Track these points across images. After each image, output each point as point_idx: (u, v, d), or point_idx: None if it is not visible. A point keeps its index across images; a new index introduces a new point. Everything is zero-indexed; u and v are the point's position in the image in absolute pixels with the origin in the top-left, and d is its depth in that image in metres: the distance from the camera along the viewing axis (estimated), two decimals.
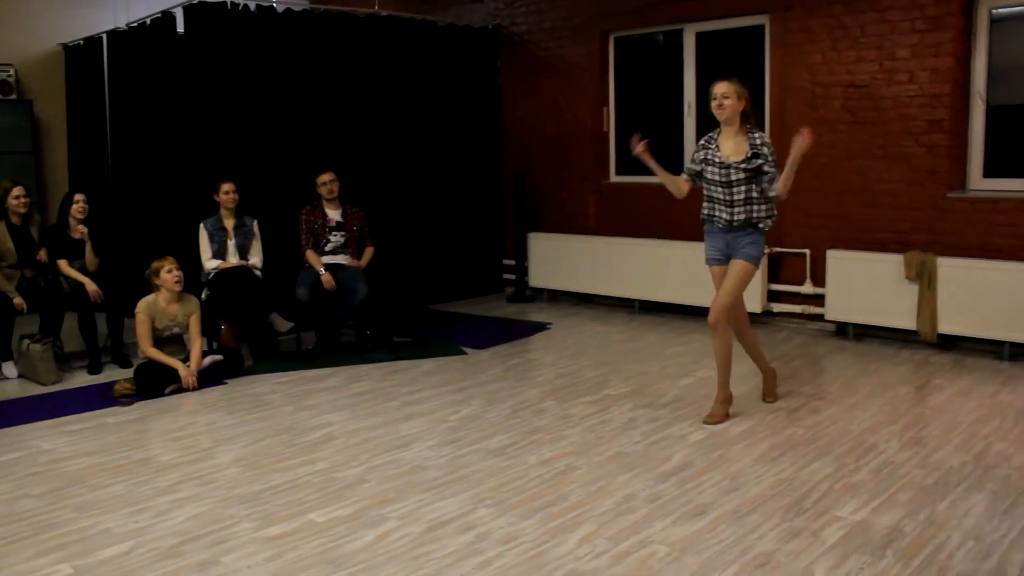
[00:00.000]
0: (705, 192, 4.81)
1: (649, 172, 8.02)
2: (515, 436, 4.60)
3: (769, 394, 5.10)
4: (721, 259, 4.83)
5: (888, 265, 6.31)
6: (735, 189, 4.64)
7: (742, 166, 4.60)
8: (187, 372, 5.60)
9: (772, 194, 4.61)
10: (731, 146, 4.67)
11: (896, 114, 6.36)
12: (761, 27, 7.15)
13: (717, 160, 4.68)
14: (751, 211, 4.66)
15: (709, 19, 7.45)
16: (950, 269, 6.03)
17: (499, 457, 4.30)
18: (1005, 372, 5.59)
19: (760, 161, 4.58)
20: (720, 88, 4.62)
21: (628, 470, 4.08)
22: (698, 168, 4.81)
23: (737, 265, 4.70)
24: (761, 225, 4.69)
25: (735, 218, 4.68)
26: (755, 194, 4.64)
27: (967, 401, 4.99)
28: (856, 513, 3.54)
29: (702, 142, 4.83)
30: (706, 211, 4.83)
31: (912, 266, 6.16)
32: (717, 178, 4.69)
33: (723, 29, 7.45)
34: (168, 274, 5.64)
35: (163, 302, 5.67)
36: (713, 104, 4.65)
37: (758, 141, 4.62)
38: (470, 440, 4.56)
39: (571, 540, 3.36)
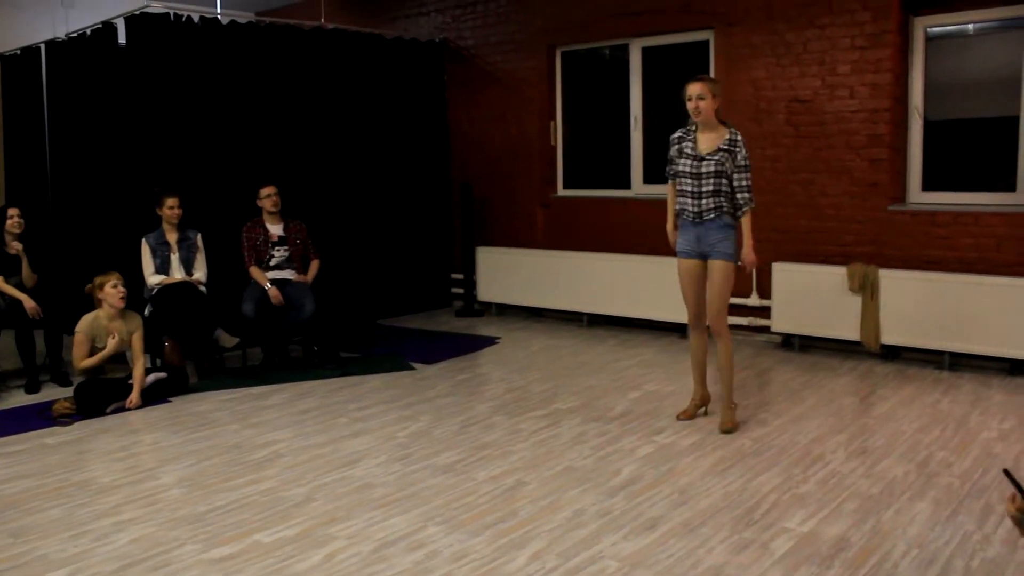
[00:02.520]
0: (677, 186, 4.84)
1: (595, 186, 8.16)
2: (464, 452, 4.57)
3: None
4: (690, 252, 4.84)
5: (832, 277, 6.41)
6: (703, 181, 4.70)
7: (714, 159, 4.67)
8: (116, 342, 5.50)
9: (739, 207, 4.70)
10: (706, 140, 4.73)
11: (838, 128, 6.48)
12: (706, 42, 7.24)
13: (690, 152, 4.76)
14: (720, 203, 4.70)
15: (654, 34, 7.52)
16: (892, 281, 6.14)
17: (448, 473, 4.26)
18: (945, 381, 5.70)
19: (727, 155, 4.65)
20: (694, 89, 4.67)
21: (578, 485, 4.07)
22: (670, 160, 4.89)
23: (716, 267, 4.74)
24: (728, 218, 4.73)
25: (703, 209, 4.72)
26: (723, 188, 4.69)
27: (910, 411, 5.08)
28: (804, 524, 3.57)
29: (678, 134, 4.86)
30: (678, 205, 4.87)
31: (855, 278, 6.26)
32: (688, 169, 4.75)
33: (668, 44, 7.53)
34: (113, 289, 5.52)
35: (105, 319, 5.54)
36: (689, 105, 4.68)
37: (736, 138, 4.68)
38: (419, 456, 4.52)
39: (522, 557, 3.34)
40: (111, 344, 5.50)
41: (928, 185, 6.42)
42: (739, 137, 4.71)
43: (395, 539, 3.53)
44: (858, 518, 3.62)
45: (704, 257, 4.82)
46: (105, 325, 5.54)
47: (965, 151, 6.36)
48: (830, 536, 3.46)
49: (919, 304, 6.03)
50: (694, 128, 4.80)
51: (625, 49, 7.82)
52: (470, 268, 8.62)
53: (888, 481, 4.02)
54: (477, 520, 3.69)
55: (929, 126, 6.39)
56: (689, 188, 4.76)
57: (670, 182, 4.94)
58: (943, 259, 6.09)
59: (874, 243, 6.39)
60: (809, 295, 6.52)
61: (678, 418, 5.02)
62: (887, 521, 3.58)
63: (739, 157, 4.68)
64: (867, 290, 6.22)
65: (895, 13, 6.17)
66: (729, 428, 4.75)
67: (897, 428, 4.77)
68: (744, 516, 3.67)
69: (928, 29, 6.30)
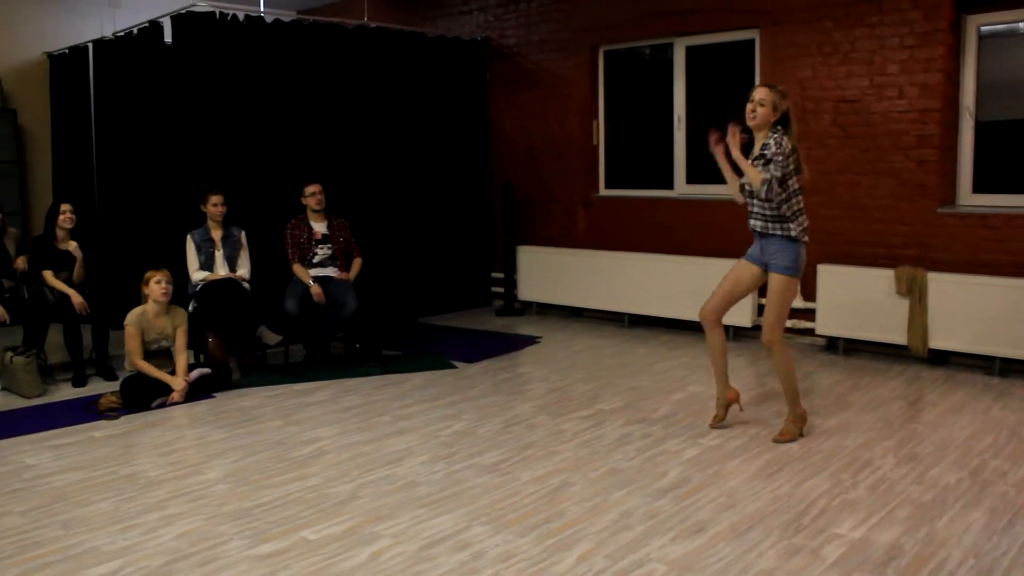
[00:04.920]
0: None
1: (638, 186, 8.10)
2: (508, 452, 4.56)
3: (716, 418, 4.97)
4: (754, 258, 4.69)
5: (878, 280, 6.31)
6: (754, 199, 4.58)
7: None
8: (179, 390, 5.53)
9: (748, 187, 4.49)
10: (756, 152, 4.61)
11: (886, 129, 6.38)
12: (751, 41, 7.17)
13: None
14: (767, 221, 4.55)
15: (699, 33, 7.46)
16: (940, 284, 6.03)
17: (493, 473, 4.25)
18: (996, 388, 5.59)
19: (762, 161, 4.50)
20: (757, 93, 4.52)
21: (624, 486, 4.04)
22: None
23: (773, 282, 4.58)
24: (783, 232, 4.53)
25: (755, 226, 4.62)
26: (768, 206, 4.51)
27: (960, 417, 4.99)
28: (855, 530, 3.52)
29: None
30: None
31: (903, 281, 6.16)
32: (745, 184, 4.62)
33: (713, 43, 7.46)
34: (156, 285, 5.57)
35: (151, 314, 5.60)
36: (748, 107, 4.53)
37: (769, 140, 4.48)
38: (463, 456, 4.51)
39: (569, 558, 3.31)
40: (177, 387, 5.56)
41: (979, 187, 6.30)
42: (771, 140, 4.46)
43: (441, 538, 3.52)
44: (911, 525, 3.55)
45: (766, 268, 4.67)
46: (152, 320, 5.60)
47: (1018, 152, 6.23)
48: (882, 543, 3.40)
49: (969, 308, 5.92)
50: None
51: (668, 48, 7.76)
52: (511, 267, 8.61)
53: (940, 488, 3.94)
54: (523, 520, 3.67)
55: (980, 127, 6.27)
56: (750, 207, 4.65)
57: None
58: (994, 262, 5.97)
59: (922, 246, 6.28)
60: (855, 298, 6.42)
61: (711, 426, 4.88)
62: (941, 529, 3.51)
63: (768, 154, 4.46)
64: (915, 293, 6.12)
65: (947, 11, 6.06)
66: (780, 439, 4.62)
67: (948, 434, 4.69)
68: (793, 521, 3.62)
69: (981, 28, 6.18)
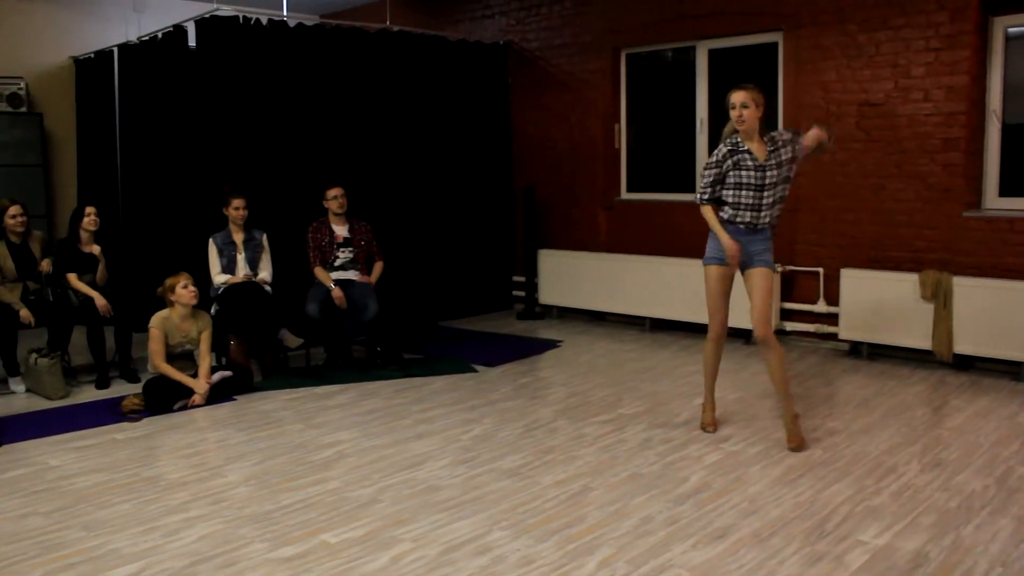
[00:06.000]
0: (731, 198, 4.63)
1: (660, 189, 8.07)
2: (529, 456, 4.54)
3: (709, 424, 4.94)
4: (724, 260, 4.68)
5: (903, 284, 6.26)
6: (766, 192, 4.58)
7: (773, 162, 4.56)
8: (201, 393, 5.56)
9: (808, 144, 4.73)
10: (758, 149, 4.59)
11: (911, 132, 6.32)
12: (774, 44, 7.13)
13: (750, 164, 4.56)
14: (775, 214, 4.69)
15: (722, 36, 7.42)
16: (966, 288, 5.97)
17: (513, 477, 4.24)
18: (1022, 393, 5.52)
19: (787, 152, 4.63)
20: (739, 97, 4.52)
21: (645, 491, 4.01)
22: (717, 179, 4.65)
23: (763, 275, 4.65)
24: (773, 228, 4.76)
25: (761, 221, 4.63)
26: (779, 196, 4.67)
27: (986, 423, 4.93)
28: (879, 537, 3.48)
29: (726, 149, 4.60)
30: (727, 214, 4.66)
31: (927, 285, 6.10)
32: (752, 180, 4.56)
33: (736, 46, 7.42)
34: (184, 289, 5.60)
35: (176, 318, 5.63)
36: (732, 114, 4.54)
37: (774, 134, 4.65)
38: (483, 460, 4.50)
39: (590, 564, 3.30)
40: (199, 391, 5.58)
41: (1005, 191, 6.23)
42: (782, 132, 4.67)
43: (461, 543, 3.51)
44: (936, 532, 3.51)
45: (741, 267, 4.71)
46: (177, 324, 5.63)
47: None
48: (907, 550, 3.36)
49: (995, 313, 5.85)
50: (739, 140, 4.61)
51: (690, 52, 7.73)
52: (532, 271, 8.59)
53: (966, 495, 3.89)
54: (544, 525, 3.66)
55: (1007, 129, 6.20)
56: (751, 200, 4.59)
57: (710, 206, 4.71)
58: (1021, 267, 5.90)
59: (947, 250, 6.22)
60: (879, 302, 6.37)
61: (704, 430, 4.87)
62: (967, 537, 3.47)
63: (798, 148, 4.66)
64: (940, 298, 6.05)
65: (973, 13, 6.00)
66: (795, 447, 4.56)
67: (973, 440, 4.63)
68: (816, 527, 3.58)
69: (1008, 29, 6.11)
